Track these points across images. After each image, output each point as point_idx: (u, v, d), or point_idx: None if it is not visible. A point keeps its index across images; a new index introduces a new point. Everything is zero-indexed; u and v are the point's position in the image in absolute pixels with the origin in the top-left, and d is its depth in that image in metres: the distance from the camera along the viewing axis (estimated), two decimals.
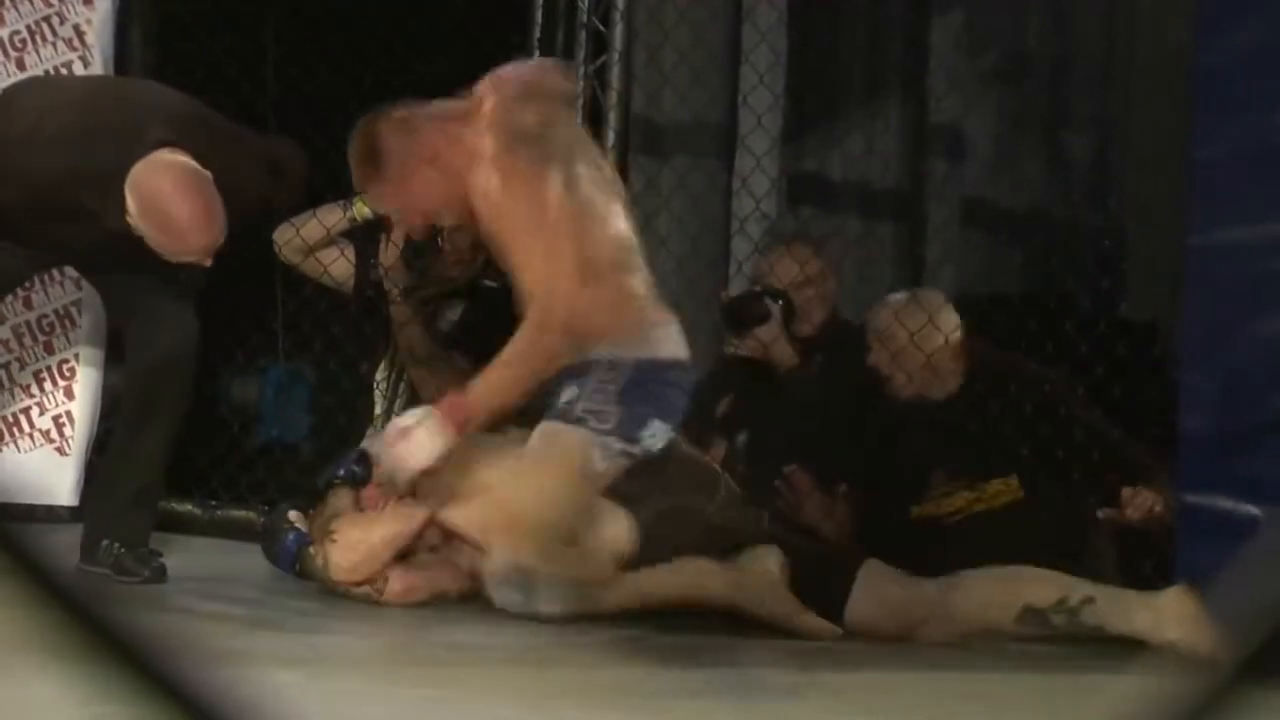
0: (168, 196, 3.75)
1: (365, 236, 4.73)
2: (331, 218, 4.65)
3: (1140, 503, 4.15)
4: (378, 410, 4.63)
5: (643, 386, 3.80)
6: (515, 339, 3.74)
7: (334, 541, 3.89)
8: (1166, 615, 3.53)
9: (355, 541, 3.88)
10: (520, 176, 3.71)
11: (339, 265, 4.78)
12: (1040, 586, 3.73)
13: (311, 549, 3.96)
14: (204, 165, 3.84)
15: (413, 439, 3.74)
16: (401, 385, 4.58)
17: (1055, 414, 4.32)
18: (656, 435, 3.82)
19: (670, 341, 3.89)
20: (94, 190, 3.80)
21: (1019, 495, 4.31)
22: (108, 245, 3.89)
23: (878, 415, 4.50)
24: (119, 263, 4.06)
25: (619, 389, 3.78)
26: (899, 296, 4.58)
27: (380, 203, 4.12)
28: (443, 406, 3.77)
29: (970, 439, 4.31)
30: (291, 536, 4.02)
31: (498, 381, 3.75)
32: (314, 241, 4.66)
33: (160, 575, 4.14)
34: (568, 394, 3.79)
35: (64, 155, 3.84)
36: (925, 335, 4.40)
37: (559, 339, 3.73)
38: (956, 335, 4.43)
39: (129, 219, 3.77)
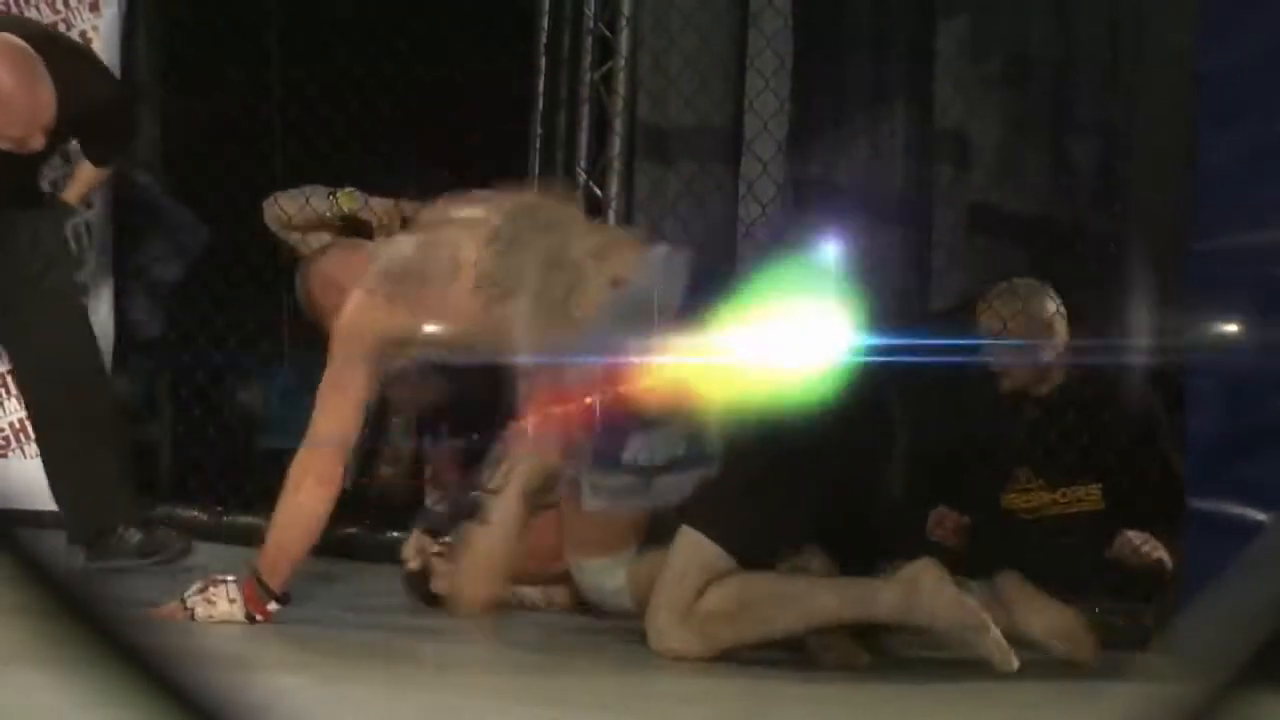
0: None
1: (352, 233, 4.74)
2: (319, 202, 4.70)
3: (1147, 550, 4.15)
4: None
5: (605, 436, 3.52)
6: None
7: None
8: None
9: (475, 582, 3.79)
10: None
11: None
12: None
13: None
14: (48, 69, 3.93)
15: (215, 595, 3.65)
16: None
17: (1140, 435, 4.31)
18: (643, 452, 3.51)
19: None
20: None
21: (1099, 506, 4.30)
22: None
23: (984, 405, 4.46)
24: None
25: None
26: (1001, 286, 4.55)
27: None
28: (246, 588, 3.65)
29: (1061, 439, 4.29)
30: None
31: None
32: (299, 220, 4.71)
33: (188, 547, 4.16)
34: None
35: None
36: (1028, 322, 4.37)
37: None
38: (1060, 323, 4.41)
39: None
